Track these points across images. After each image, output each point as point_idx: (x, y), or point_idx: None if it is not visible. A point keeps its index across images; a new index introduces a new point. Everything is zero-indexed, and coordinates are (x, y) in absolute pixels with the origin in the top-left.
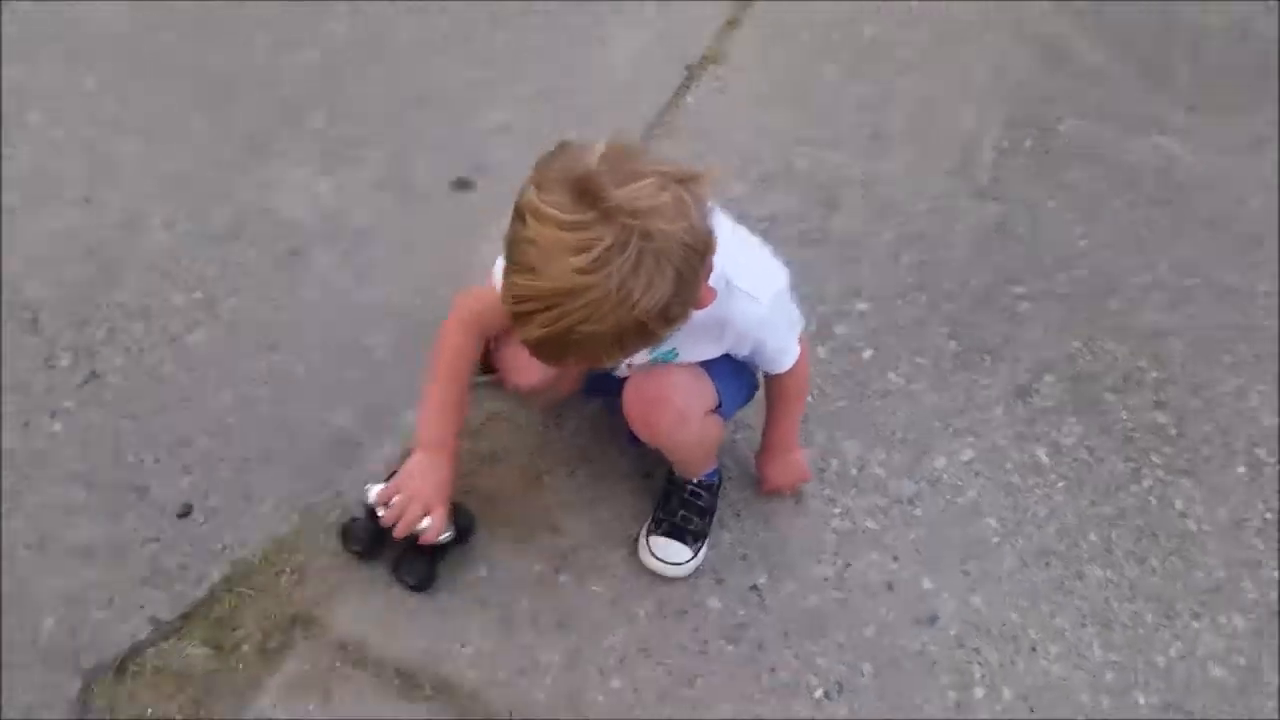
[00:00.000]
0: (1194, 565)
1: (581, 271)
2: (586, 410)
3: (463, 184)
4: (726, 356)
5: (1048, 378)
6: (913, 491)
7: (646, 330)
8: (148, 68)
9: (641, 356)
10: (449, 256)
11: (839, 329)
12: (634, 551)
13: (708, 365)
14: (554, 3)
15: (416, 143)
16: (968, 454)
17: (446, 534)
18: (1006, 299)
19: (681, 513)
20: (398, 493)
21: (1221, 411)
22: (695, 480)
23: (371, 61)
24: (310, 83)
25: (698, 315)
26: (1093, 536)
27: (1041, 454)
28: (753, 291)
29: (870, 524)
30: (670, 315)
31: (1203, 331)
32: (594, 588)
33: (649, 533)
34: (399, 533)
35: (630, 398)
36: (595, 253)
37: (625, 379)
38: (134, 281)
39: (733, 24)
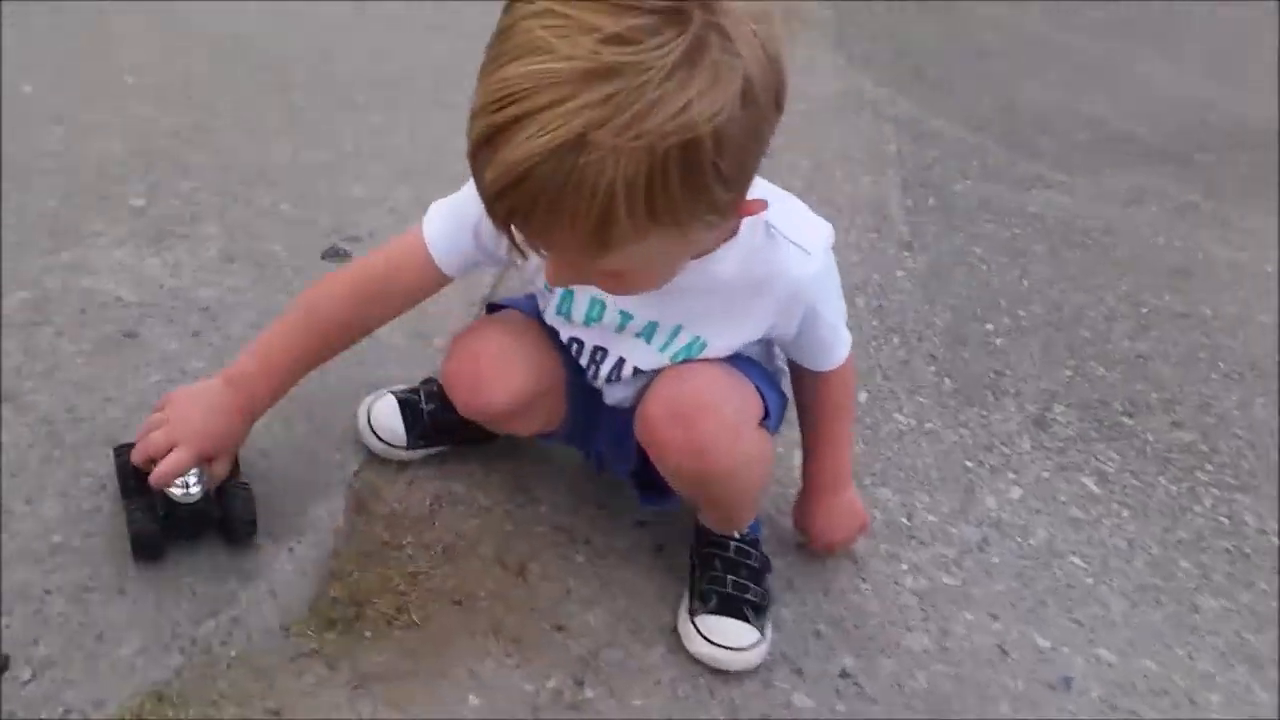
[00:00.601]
0: None
1: (617, 40)
2: (564, 478)
3: (336, 253)
4: (748, 360)
5: (1058, 407)
6: (978, 537)
7: (693, 160)
8: None
9: (652, 355)
10: None
11: None
12: (676, 646)
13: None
14: (384, 91)
15: (265, 218)
16: (1016, 491)
17: (187, 491)
18: (979, 335)
19: (732, 579)
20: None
21: (1238, 424)
22: (739, 535)
23: (191, 145)
24: (120, 167)
25: (730, 273)
26: (1185, 564)
27: (1090, 484)
28: (802, 242)
29: (948, 579)
30: (727, 146)
31: (1178, 353)
32: (636, 700)
33: (693, 613)
34: (134, 457)
35: (655, 413)
36: (641, 18)
37: (624, 412)
38: None
39: None
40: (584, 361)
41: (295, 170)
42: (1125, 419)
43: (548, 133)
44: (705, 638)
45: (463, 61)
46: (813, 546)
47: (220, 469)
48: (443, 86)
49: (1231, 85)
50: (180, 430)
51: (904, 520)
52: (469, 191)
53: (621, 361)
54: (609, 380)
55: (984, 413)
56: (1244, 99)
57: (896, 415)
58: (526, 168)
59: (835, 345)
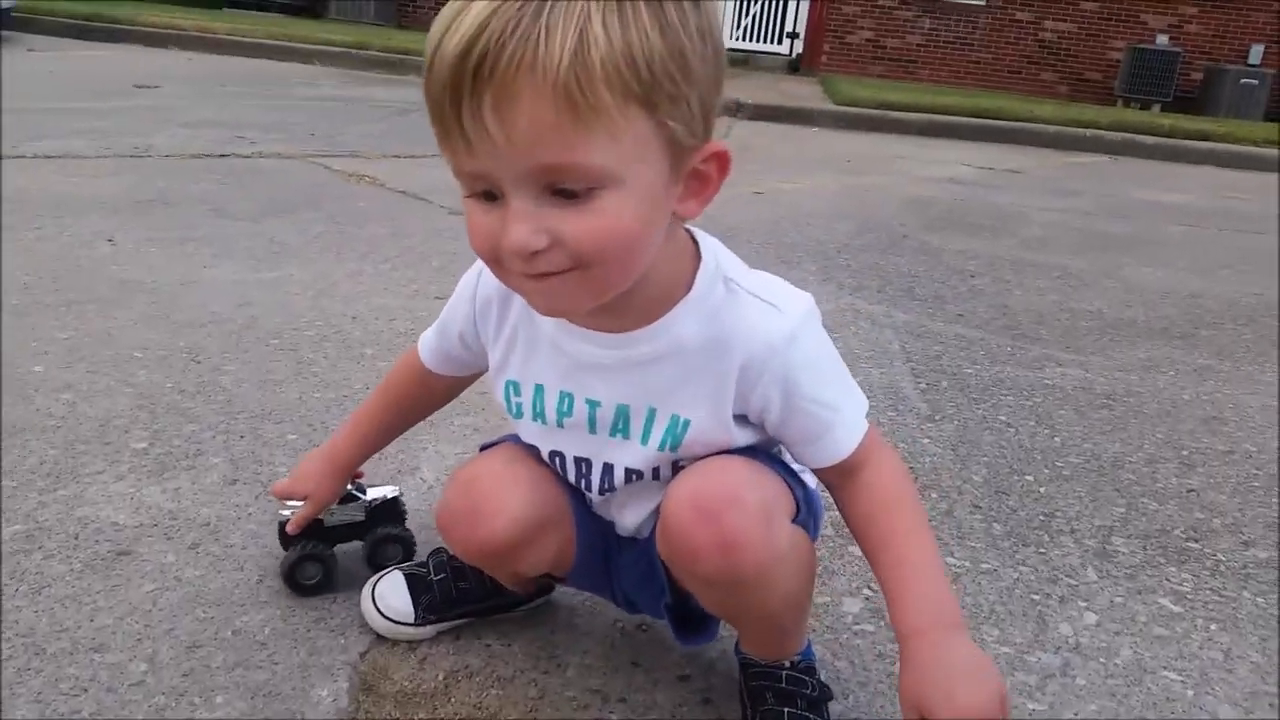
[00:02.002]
0: None
1: None
2: (593, 640)
3: None
4: (766, 455)
5: (1116, 540)
6: (1059, 663)
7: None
8: None
9: (635, 451)
10: None
11: None
12: None
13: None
14: (393, 342)
15: (270, 447)
16: (1091, 618)
17: (281, 514)
18: (1020, 485)
19: (789, 710)
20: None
21: None
22: (789, 663)
23: (197, 398)
24: (123, 419)
25: (690, 333)
26: None
27: (1168, 603)
28: (771, 299)
29: (1034, 705)
30: (691, 22)
31: (1230, 485)
32: None
33: None
34: (278, 491)
35: (678, 515)
36: None
37: (644, 543)
38: None
39: None
40: (573, 479)
41: (302, 408)
42: (1191, 544)
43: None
44: None
45: None
46: None
47: (308, 509)
48: None
49: (1214, 279)
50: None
51: None
52: (451, 302)
53: (609, 468)
54: (602, 492)
55: (1041, 550)
56: (1230, 287)
57: (948, 559)
58: (491, 10)
59: (835, 426)
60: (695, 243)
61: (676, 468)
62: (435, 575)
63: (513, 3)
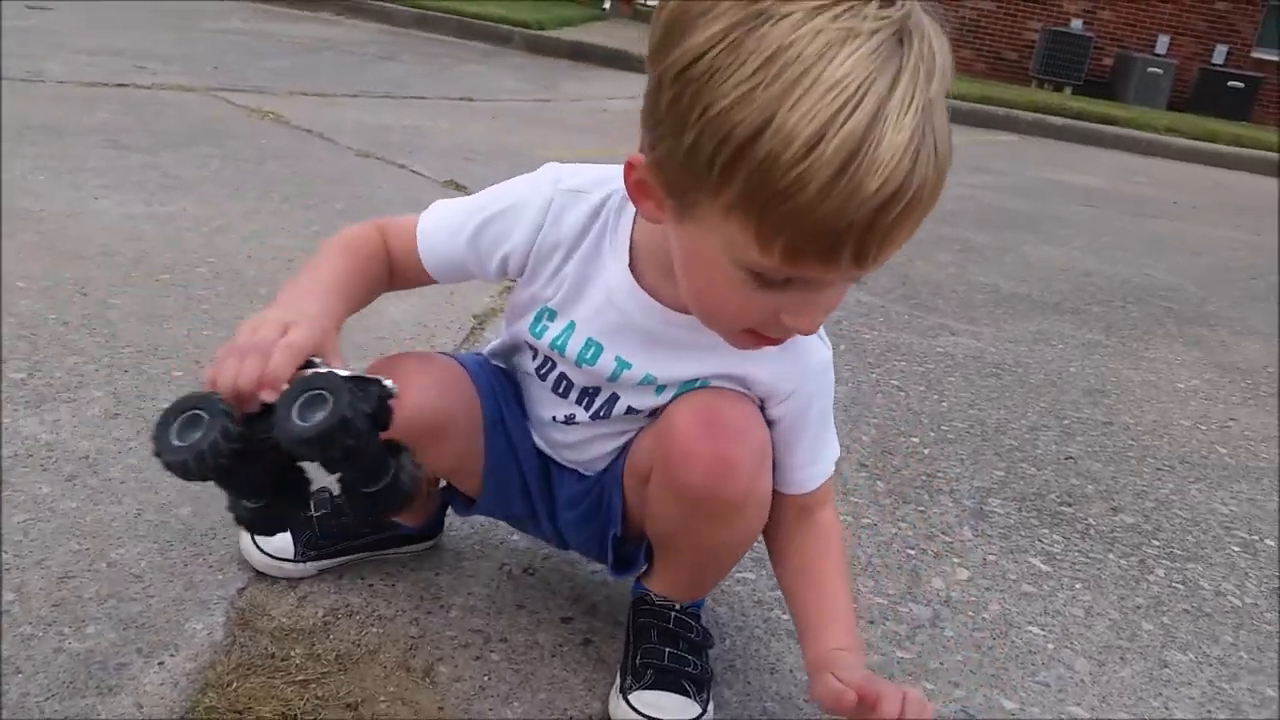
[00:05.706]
0: (1268, 635)
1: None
2: (477, 583)
3: None
4: None
5: (993, 501)
6: (929, 615)
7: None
8: None
9: (649, 398)
10: None
11: None
12: None
13: None
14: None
15: (155, 382)
16: (963, 573)
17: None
18: (905, 446)
19: (670, 651)
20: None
21: (1178, 507)
22: (680, 606)
23: (81, 331)
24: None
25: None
26: (1148, 626)
27: (1038, 563)
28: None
29: (901, 654)
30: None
31: (1106, 454)
32: None
33: (626, 691)
34: (223, 377)
35: (686, 422)
36: (879, 37)
37: (587, 482)
38: None
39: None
40: (575, 398)
41: (190, 345)
42: (1064, 508)
43: (909, 108)
44: (641, 713)
45: None
46: None
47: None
48: None
49: (1108, 259)
50: (291, 313)
51: None
52: (502, 223)
53: (615, 398)
54: (597, 417)
55: (921, 508)
56: (1123, 268)
57: None
58: (914, 152)
59: (818, 460)
60: None
61: None
62: (315, 511)
63: (913, 137)
